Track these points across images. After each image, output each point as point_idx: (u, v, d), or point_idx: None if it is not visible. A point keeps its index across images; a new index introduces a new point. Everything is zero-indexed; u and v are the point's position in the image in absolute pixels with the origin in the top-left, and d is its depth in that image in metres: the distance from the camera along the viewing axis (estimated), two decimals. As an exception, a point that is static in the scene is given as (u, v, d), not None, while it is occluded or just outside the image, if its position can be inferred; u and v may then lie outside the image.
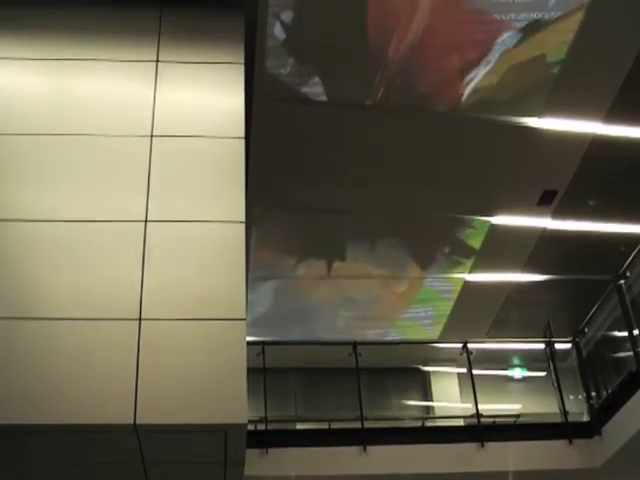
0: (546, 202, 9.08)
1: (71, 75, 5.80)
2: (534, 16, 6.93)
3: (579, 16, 6.89)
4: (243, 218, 5.21)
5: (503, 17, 6.94)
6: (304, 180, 8.51)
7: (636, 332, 8.44)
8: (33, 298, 4.87)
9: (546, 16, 6.92)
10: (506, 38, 7.14)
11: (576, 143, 8.21)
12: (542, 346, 9.95)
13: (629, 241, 9.07)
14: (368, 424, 8.89)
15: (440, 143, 8.14)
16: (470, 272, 10.63)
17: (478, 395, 9.29)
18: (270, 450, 8.25)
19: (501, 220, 9.42)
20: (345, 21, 6.87)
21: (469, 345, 9.79)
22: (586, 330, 9.59)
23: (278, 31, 6.76)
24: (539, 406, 10.78)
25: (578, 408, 9.48)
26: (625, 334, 8.68)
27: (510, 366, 13.08)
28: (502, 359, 12.70)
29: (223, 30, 6.07)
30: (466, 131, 7.98)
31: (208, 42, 6.01)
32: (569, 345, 9.83)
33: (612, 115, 7.88)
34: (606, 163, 8.54)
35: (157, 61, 5.84)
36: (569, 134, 8.05)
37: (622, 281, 8.68)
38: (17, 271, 4.96)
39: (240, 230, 5.17)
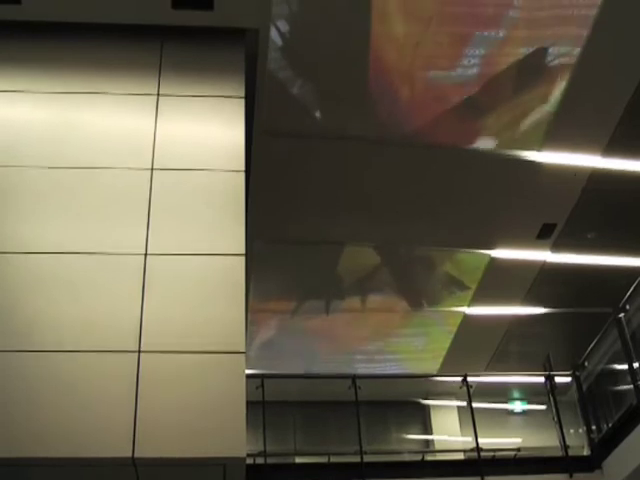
0: (545, 235, 9.10)
1: (72, 108, 5.80)
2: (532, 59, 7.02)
3: (577, 51, 6.95)
4: (243, 251, 5.21)
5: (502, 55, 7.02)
6: (304, 213, 8.52)
7: (636, 365, 8.42)
8: (32, 330, 4.85)
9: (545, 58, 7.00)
10: (505, 77, 7.21)
11: (575, 176, 8.24)
12: (542, 379, 9.93)
13: (628, 274, 9.07)
14: (368, 458, 8.84)
15: (440, 176, 8.16)
16: (470, 305, 10.63)
17: (478, 428, 9.26)
18: (269, 484, 8.23)
19: (501, 253, 9.43)
20: (345, 57, 6.92)
21: (469, 378, 9.77)
22: (586, 363, 9.57)
23: (278, 65, 6.79)
24: (539, 440, 10.75)
25: (578, 442, 9.44)
26: (625, 367, 8.66)
27: (510, 399, 13.06)
28: (502, 392, 12.69)
29: (224, 64, 6.09)
30: (466, 165, 8.01)
31: (209, 75, 6.03)
32: (569, 378, 9.81)
33: (610, 149, 7.92)
34: (605, 196, 8.57)
35: (158, 94, 5.86)
36: (568, 167, 8.09)
37: (622, 314, 8.67)
38: (17, 303, 4.94)
39: (240, 263, 5.17)
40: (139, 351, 4.80)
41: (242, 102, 5.87)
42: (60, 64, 5.99)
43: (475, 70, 7.18)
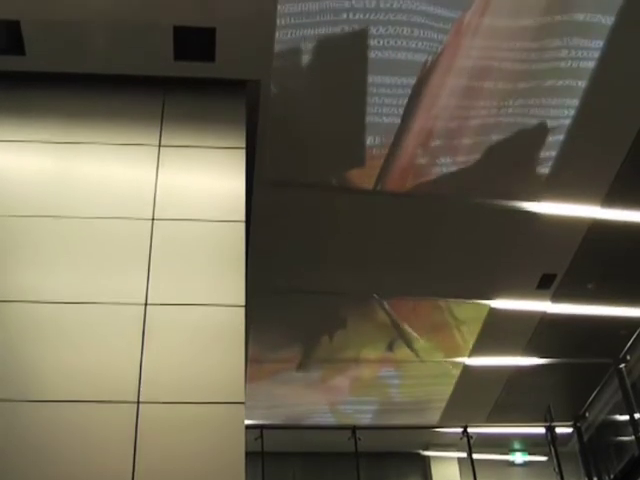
0: (545, 285, 9.10)
1: (73, 158, 5.83)
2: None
3: (575, 102, 7.02)
4: (243, 302, 5.21)
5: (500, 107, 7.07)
6: (304, 263, 8.54)
7: (637, 416, 8.40)
8: (31, 380, 4.84)
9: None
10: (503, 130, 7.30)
11: (574, 227, 8.27)
12: (543, 430, 9.90)
13: (629, 325, 9.08)
14: (368, 510, 8.80)
15: (439, 227, 8.19)
16: (470, 356, 10.60)
17: (479, 480, 9.22)
18: (268, 537, 8.15)
19: (500, 304, 9.43)
20: (346, 110, 6.99)
21: (469, 429, 9.76)
22: (587, 414, 9.55)
23: (280, 117, 6.84)
24: (541, 491, 10.69)
25: (580, 494, 9.40)
26: (626, 418, 8.64)
27: (511, 450, 12.98)
28: (503, 443, 12.61)
29: (225, 114, 6.14)
30: (465, 215, 8.04)
31: (210, 126, 6.07)
32: (570, 429, 9.78)
33: (609, 200, 7.95)
34: (604, 247, 8.59)
35: (159, 145, 5.90)
36: (567, 218, 8.11)
37: (622, 365, 8.66)
38: (14, 353, 4.93)
39: (240, 314, 5.17)
40: (138, 402, 4.78)
41: (243, 153, 5.91)
42: (62, 114, 6.02)
43: (472, 122, 7.22)
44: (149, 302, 5.18)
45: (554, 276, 8.97)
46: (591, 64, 6.73)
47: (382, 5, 6.29)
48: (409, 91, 6.94)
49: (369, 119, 7.14)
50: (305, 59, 6.65)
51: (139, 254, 5.38)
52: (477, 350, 10.45)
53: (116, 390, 4.82)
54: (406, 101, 7.00)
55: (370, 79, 6.82)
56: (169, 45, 5.87)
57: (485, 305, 9.47)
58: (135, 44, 5.90)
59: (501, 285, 9.14)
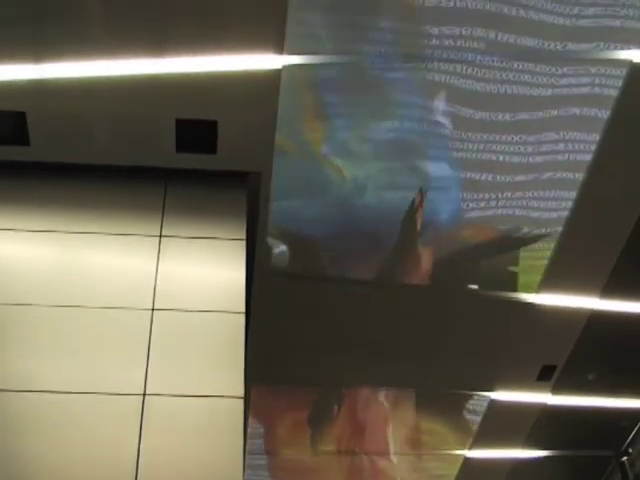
0: (546, 377, 9.04)
1: (74, 247, 5.87)
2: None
3: (573, 195, 7.08)
4: (242, 393, 5.19)
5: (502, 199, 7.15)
6: (304, 354, 8.50)
7: (640, 511, 8.30)
8: (28, 471, 4.80)
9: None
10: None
11: (574, 318, 8.26)
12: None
13: (630, 416, 9.02)
14: None
15: (439, 318, 8.17)
16: (470, 448, 10.48)
17: None
18: None
19: (500, 396, 9.36)
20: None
21: (470, 523, 9.61)
22: (589, 508, 9.43)
23: (279, 209, 6.89)
24: None
25: None
26: (629, 512, 8.54)
27: None
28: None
29: (226, 206, 6.20)
30: (464, 307, 8.04)
31: (211, 217, 6.13)
32: (572, 524, 9.65)
33: (608, 291, 7.97)
34: (604, 338, 8.57)
35: (160, 235, 5.95)
36: (566, 309, 8.11)
37: (624, 457, 8.58)
38: (12, 442, 4.90)
39: (239, 405, 5.14)
40: (135, 495, 4.74)
41: (243, 244, 5.95)
42: (64, 203, 6.09)
43: (473, 214, 7.28)
44: (147, 392, 5.16)
45: (554, 367, 8.93)
46: (588, 157, 6.80)
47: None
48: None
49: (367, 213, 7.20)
50: (305, 153, 6.72)
51: (138, 344, 5.38)
52: (477, 442, 10.34)
53: (113, 481, 4.79)
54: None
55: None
56: (171, 137, 5.96)
57: (485, 397, 9.41)
58: (137, 137, 5.99)
59: (501, 377, 9.08)
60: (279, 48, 5.61)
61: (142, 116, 5.87)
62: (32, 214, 6.00)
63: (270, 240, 7.02)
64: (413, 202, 7.08)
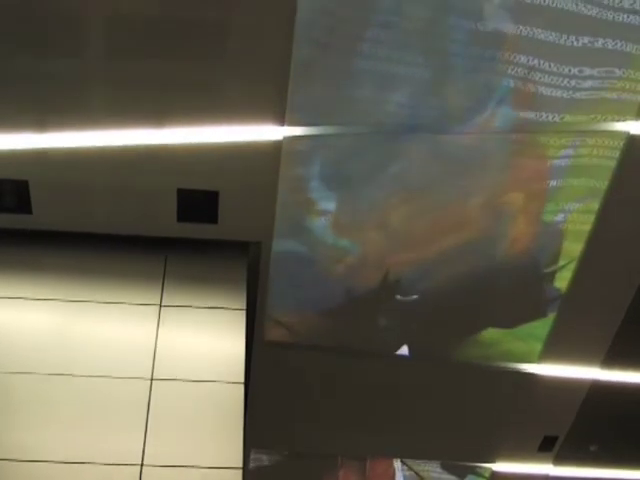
0: (547, 448, 8.95)
1: (73, 315, 5.88)
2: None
3: (572, 265, 7.10)
4: (240, 464, 5.17)
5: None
6: (303, 424, 8.44)
7: None
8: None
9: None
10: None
11: (574, 388, 8.21)
12: None
13: (633, 489, 8.93)
14: None
15: (439, 389, 8.13)
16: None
17: None
18: None
19: (502, 467, 9.26)
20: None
21: None
22: None
23: (280, 281, 6.90)
24: None
25: None
26: None
27: None
28: None
29: (226, 275, 6.22)
30: (464, 377, 8.00)
31: (211, 287, 6.14)
32: None
33: (609, 361, 7.94)
34: (606, 408, 8.51)
35: (160, 305, 5.95)
36: (567, 380, 8.07)
37: (626, 531, 8.48)
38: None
39: (237, 476, 5.12)
40: None
41: (243, 314, 5.96)
42: (64, 272, 6.11)
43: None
44: (145, 463, 5.13)
45: (556, 438, 8.86)
46: (587, 227, 6.83)
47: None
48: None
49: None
50: (305, 218, 6.74)
51: (136, 414, 5.37)
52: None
53: None
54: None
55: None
56: (172, 207, 5.99)
57: (487, 468, 9.31)
58: (138, 207, 6.03)
59: (502, 448, 9.00)
60: (280, 119, 5.68)
61: (144, 186, 5.91)
62: (33, 282, 6.02)
63: (270, 310, 7.01)
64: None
